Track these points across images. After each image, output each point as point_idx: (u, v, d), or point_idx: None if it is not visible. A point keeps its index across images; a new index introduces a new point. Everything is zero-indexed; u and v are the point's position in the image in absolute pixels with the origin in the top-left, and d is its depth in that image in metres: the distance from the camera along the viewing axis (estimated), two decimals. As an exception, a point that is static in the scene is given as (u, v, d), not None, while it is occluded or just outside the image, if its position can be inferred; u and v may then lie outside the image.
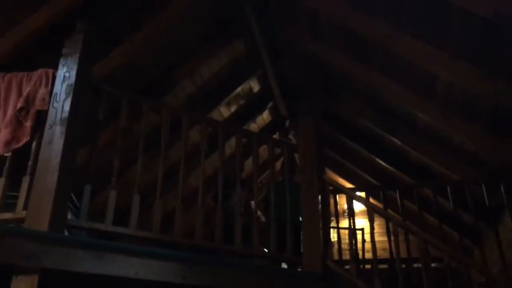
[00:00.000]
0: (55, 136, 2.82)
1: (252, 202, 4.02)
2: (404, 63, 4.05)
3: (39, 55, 3.34)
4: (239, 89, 5.42)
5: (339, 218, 4.40)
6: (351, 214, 3.69)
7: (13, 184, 2.85)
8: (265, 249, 3.58)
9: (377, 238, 3.64)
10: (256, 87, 5.73)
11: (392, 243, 3.85)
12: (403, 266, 3.84)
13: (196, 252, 3.04)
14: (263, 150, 4.05)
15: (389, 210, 4.28)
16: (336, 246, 4.46)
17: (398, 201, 4.44)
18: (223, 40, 4.81)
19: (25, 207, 2.69)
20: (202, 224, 3.21)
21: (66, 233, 2.85)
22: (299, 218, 4.23)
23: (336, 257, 4.41)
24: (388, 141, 5.42)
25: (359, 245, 4.78)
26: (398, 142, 5.23)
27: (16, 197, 2.78)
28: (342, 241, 4.63)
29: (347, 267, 3.67)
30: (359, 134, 5.79)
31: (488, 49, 3.41)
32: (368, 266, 4.44)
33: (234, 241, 3.26)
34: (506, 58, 3.37)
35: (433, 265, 4.23)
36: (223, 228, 3.24)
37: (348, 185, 6.48)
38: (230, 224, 3.33)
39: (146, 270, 2.64)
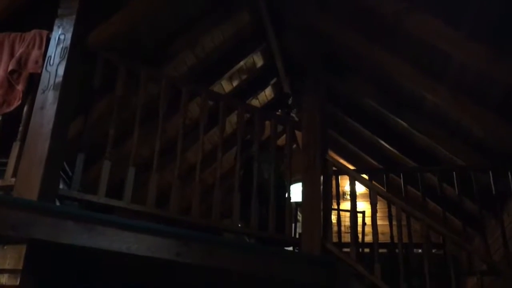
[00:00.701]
0: (48, 101, 2.69)
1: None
2: (415, 41, 3.87)
3: (33, 15, 3.17)
4: (242, 63, 5.25)
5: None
6: (353, 196, 3.58)
7: (3, 150, 2.73)
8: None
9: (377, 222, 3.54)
10: (259, 62, 5.56)
11: (394, 228, 3.76)
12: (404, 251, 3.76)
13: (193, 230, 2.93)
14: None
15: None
16: (335, 229, 4.36)
17: (402, 185, 4.33)
18: (227, 11, 4.61)
19: (14, 175, 2.58)
20: (200, 201, 3.10)
21: (57, 203, 2.75)
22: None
23: (335, 239, 4.32)
24: (393, 123, 5.28)
25: (359, 228, 4.69)
26: (404, 124, 5.08)
27: (5, 164, 2.66)
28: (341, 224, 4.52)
29: (346, 250, 3.59)
30: (363, 114, 5.64)
31: (505, 28, 3.24)
32: (366, 250, 4.37)
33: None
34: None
35: (433, 251, 4.15)
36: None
37: (350, 167, 6.36)
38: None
39: (139, 245, 2.53)
